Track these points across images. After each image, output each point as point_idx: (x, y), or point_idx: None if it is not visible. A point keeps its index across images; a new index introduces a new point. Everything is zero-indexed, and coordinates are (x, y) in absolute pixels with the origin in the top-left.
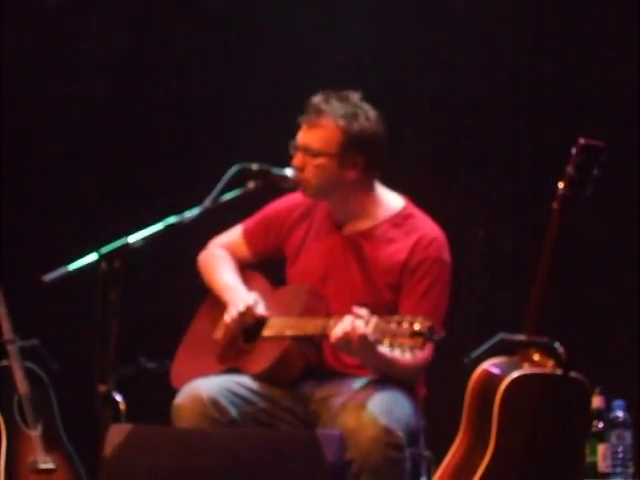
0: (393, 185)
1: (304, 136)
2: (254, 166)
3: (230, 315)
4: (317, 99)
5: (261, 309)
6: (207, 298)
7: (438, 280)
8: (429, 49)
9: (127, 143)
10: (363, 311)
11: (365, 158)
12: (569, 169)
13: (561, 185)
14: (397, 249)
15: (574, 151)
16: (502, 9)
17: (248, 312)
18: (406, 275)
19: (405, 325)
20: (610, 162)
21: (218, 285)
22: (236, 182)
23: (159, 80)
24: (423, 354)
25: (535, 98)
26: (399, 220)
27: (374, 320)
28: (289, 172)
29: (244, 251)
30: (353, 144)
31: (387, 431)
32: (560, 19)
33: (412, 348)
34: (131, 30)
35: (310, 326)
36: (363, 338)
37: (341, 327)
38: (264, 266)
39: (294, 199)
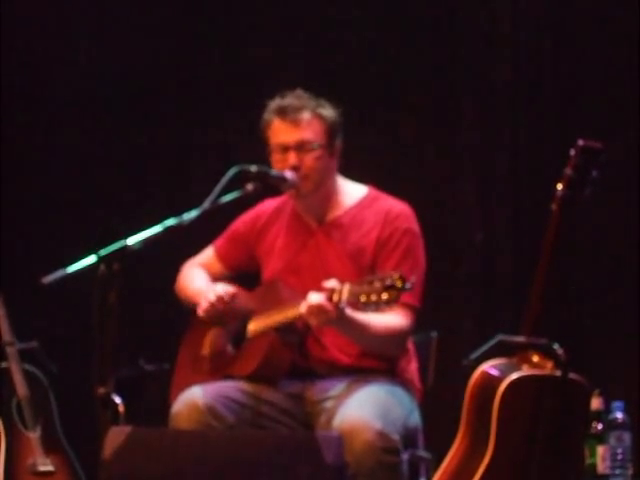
0: (396, 186)
1: (294, 134)
2: (253, 168)
3: (201, 306)
4: (286, 99)
5: (231, 288)
6: (189, 326)
7: (410, 250)
8: (427, 50)
9: (125, 145)
10: (333, 282)
11: (341, 144)
12: (568, 170)
13: (560, 186)
14: (368, 229)
15: (573, 152)
16: (501, 8)
17: (218, 300)
18: (379, 249)
19: (377, 283)
20: (610, 163)
21: (192, 294)
22: (235, 184)
23: (157, 83)
24: (403, 320)
25: (534, 99)
26: (366, 203)
27: (347, 287)
28: (288, 174)
29: (218, 268)
30: (333, 131)
31: (382, 435)
32: (559, 19)
33: (388, 302)
34: (131, 29)
35: (289, 312)
36: (324, 306)
37: (305, 301)
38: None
39: (260, 209)
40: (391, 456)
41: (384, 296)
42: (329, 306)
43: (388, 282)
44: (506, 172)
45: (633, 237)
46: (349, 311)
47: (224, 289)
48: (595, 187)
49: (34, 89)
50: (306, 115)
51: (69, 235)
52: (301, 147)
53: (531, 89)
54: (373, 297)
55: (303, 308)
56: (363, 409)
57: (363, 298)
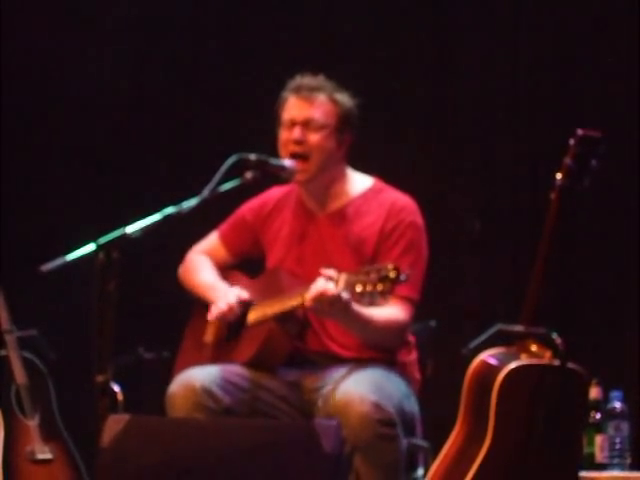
0: (395, 179)
1: (304, 110)
2: (252, 156)
3: (211, 314)
4: (305, 78)
5: (243, 295)
6: (192, 313)
7: (413, 243)
8: (428, 48)
9: (125, 133)
10: (331, 271)
11: (352, 134)
12: (567, 160)
13: (559, 176)
14: (372, 219)
15: (572, 142)
16: (502, 7)
17: (229, 310)
18: (382, 241)
19: (373, 274)
20: (610, 153)
21: (199, 286)
22: (234, 172)
23: (157, 71)
24: (402, 312)
25: (534, 89)
26: (371, 195)
27: (344, 276)
28: (287, 162)
29: (223, 254)
30: (345, 119)
31: (377, 407)
32: (559, 14)
33: (383, 293)
34: (129, 24)
35: (289, 301)
36: (334, 297)
37: (312, 290)
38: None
39: (266, 196)
40: (387, 428)
41: (379, 287)
42: (330, 292)
43: (383, 273)
44: (506, 162)
45: (633, 226)
46: (355, 305)
47: (238, 297)
48: (595, 176)
49: (34, 79)
50: (321, 96)
51: (68, 223)
52: (308, 124)
53: (531, 78)
54: (368, 287)
55: (311, 292)
56: (358, 385)
57: (359, 288)
